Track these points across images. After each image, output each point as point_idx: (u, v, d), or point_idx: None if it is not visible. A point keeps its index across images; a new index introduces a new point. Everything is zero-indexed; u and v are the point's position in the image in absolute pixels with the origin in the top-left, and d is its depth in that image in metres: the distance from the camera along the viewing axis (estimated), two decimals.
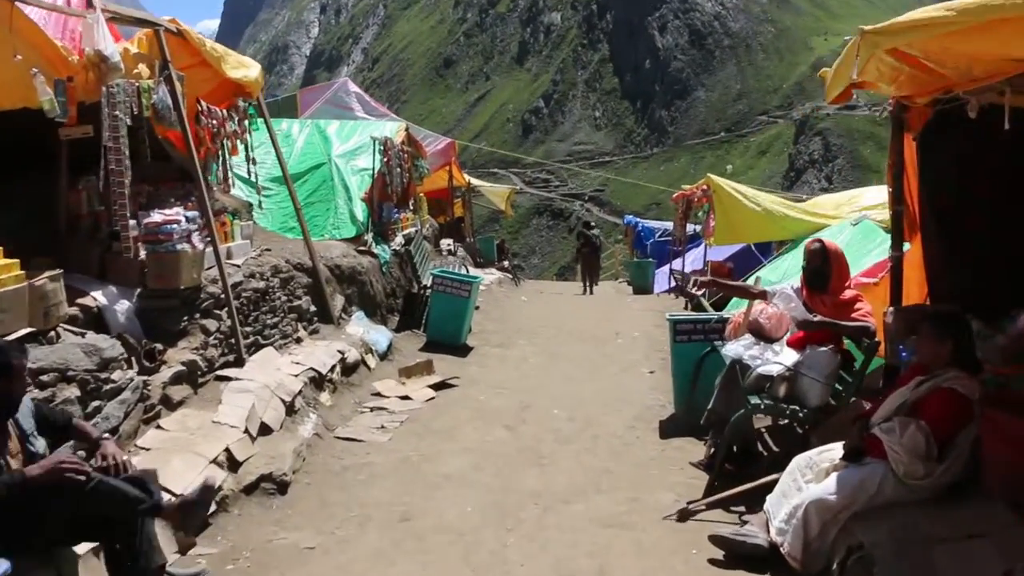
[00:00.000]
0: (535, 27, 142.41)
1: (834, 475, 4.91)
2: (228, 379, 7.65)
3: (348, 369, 9.62)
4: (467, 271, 15.34)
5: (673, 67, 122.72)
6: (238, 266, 8.94)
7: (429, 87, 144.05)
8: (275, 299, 9.38)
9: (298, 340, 9.68)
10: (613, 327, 14.31)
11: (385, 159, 13.80)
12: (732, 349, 6.73)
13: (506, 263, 24.33)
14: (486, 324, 14.04)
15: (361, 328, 10.97)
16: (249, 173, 10.43)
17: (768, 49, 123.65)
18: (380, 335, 11.08)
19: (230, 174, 9.96)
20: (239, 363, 8.12)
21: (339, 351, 9.58)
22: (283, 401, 7.68)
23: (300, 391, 8.15)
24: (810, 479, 5.11)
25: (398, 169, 14.35)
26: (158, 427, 6.55)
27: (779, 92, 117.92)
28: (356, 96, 20.93)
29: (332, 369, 9.14)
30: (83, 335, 6.25)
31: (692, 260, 20.84)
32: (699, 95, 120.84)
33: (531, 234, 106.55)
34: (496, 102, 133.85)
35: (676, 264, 21.20)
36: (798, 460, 5.31)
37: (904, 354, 6.07)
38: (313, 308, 10.33)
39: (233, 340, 8.17)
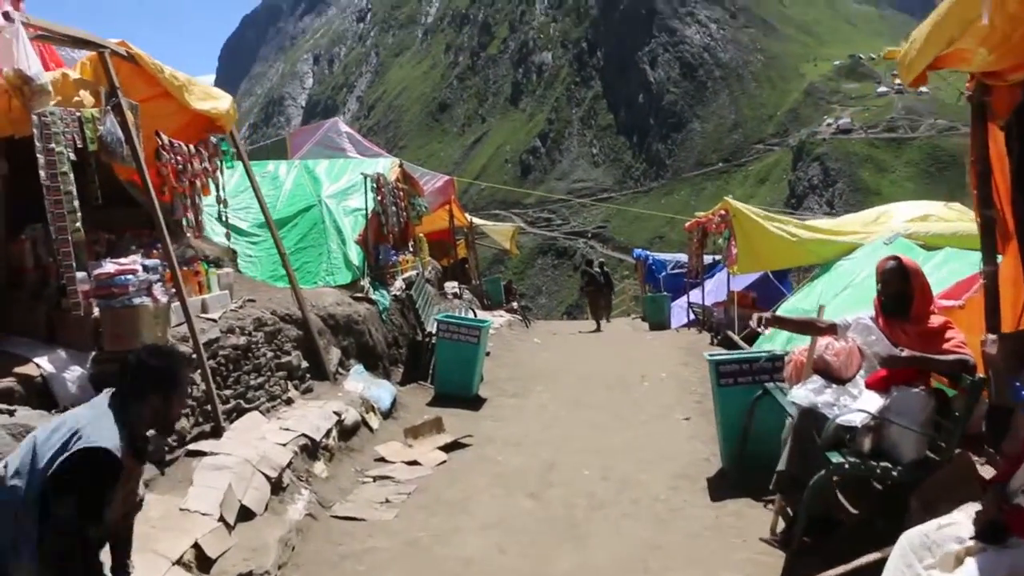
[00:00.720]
0: (527, 67, 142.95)
1: (971, 562, 3.68)
2: (202, 454, 6.46)
3: (347, 432, 8.43)
4: (475, 315, 14.19)
5: (667, 100, 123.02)
6: (214, 321, 7.79)
7: (426, 132, 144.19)
8: (259, 356, 8.22)
9: (288, 401, 8.50)
10: (637, 368, 13.11)
11: (379, 197, 12.72)
12: (801, 395, 5.51)
13: (515, 304, 23.20)
14: (498, 371, 12.85)
15: (361, 384, 9.80)
16: (221, 217, 9.28)
17: (759, 78, 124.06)
18: (382, 391, 9.90)
19: (202, 217, 8.81)
20: (216, 433, 6.94)
21: (335, 412, 8.39)
22: (267, 477, 6.48)
23: (289, 463, 6.95)
24: (932, 564, 3.88)
25: (393, 208, 13.26)
26: None
27: (773, 120, 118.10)
28: (347, 136, 19.94)
29: (328, 434, 7.94)
30: (12, 413, 5.09)
31: (711, 291, 19.67)
32: (694, 127, 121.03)
33: (536, 274, 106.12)
34: (493, 144, 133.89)
35: (694, 296, 20.02)
36: (911, 538, 4.06)
37: (1023, 392, 4.88)
38: (305, 364, 9.17)
39: (209, 407, 7.01)
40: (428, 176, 19.24)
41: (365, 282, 11.87)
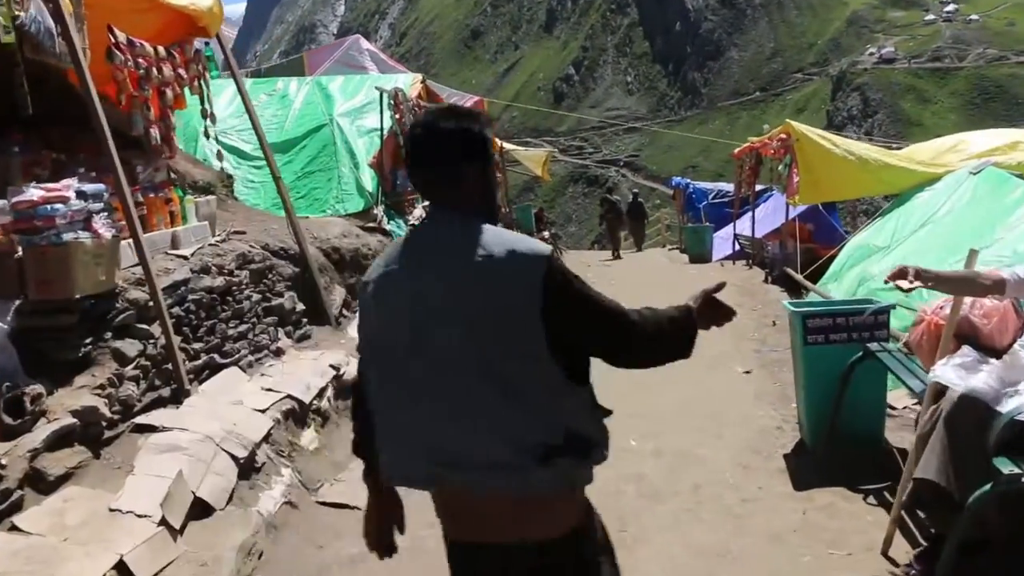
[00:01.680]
0: None
1: None
2: (152, 429, 5.04)
3: (347, 389, 7.00)
4: None
5: (704, 28, 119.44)
6: (185, 258, 6.33)
7: (458, 59, 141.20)
8: (243, 299, 6.77)
9: (278, 353, 7.07)
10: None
11: (397, 116, 11.11)
12: (951, 375, 3.89)
13: (546, 233, 21.58)
14: None
15: None
16: (207, 134, 7.76)
17: (800, 5, 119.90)
18: None
19: (175, 134, 7.27)
20: (177, 399, 5.52)
21: (332, 366, 6.95)
22: (235, 458, 5.06)
23: (267, 436, 5.54)
24: None
25: None
26: (12, 528, 3.98)
27: (814, 48, 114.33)
28: (369, 54, 18.27)
29: (321, 393, 6.53)
30: None
31: (760, 222, 18.00)
32: (732, 55, 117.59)
33: (567, 202, 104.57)
34: (526, 71, 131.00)
35: (741, 227, 18.32)
36: None
37: None
38: (300, 307, 7.72)
39: (170, 366, 5.58)
40: (456, 96, 17.50)
41: (379, 210, 10.38)
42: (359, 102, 12.03)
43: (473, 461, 2.10)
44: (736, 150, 16.95)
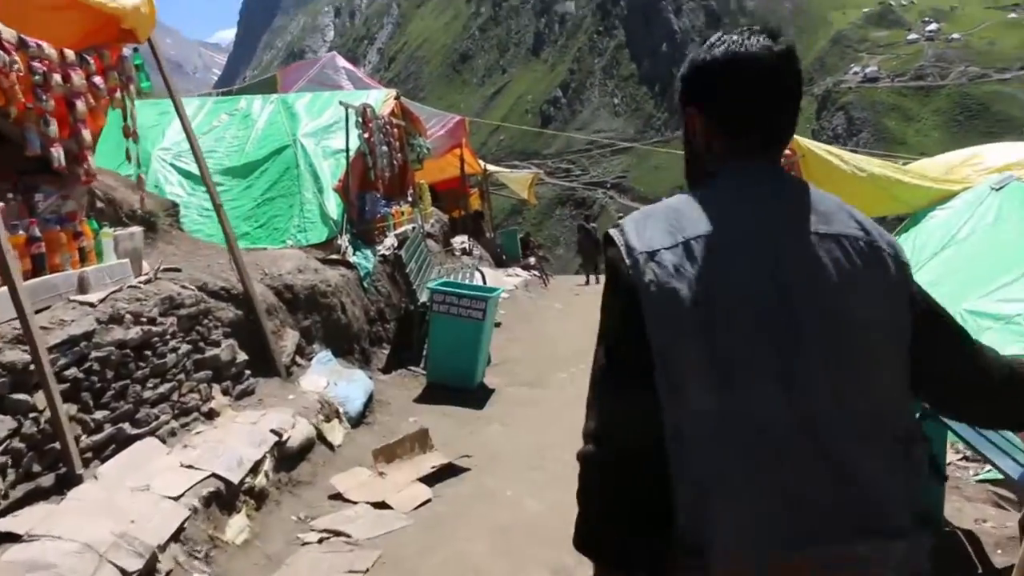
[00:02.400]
0: (549, 17, 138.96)
1: None
2: (13, 539, 3.86)
3: (291, 458, 5.83)
4: (481, 278, 11.45)
5: (691, 49, 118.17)
6: (92, 306, 5.16)
7: (446, 83, 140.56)
8: (165, 353, 5.59)
9: (209, 415, 5.89)
10: None
11: (366, 135, 9.98)
12: None
13: (532, 260, 20.45)
14: (511, 349, 10.18)
15: (325, 378, 7.18)
16: (128, 156, 6.59)
17: (786, 25, 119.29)
18: (354, 386, 7.26)
19: (89, 154, 6.09)
20: (62, 487, 4.35)
21: (275, 431, 5.77)
22: (125, 574, 3.88)
23: (179, 532, 4.37)
24: None
25: (384, 148, 10.52)
26: None
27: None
28: (346, 72, 17.15)
29: (256, 468, 5.34)
30: None
31: None
32: None
33: (554, 224, 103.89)
34: (514, 94, 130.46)
35: None
36: None
37: None
38: (243, 357, 6.54)
39: (58, 444, 4.41)
40: (436, 117, 16.42)
41: (343, 240, 9.22)
42: (326, 121, 10.91)
43: (884, 520, 1.50)
44: None
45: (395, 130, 10.95)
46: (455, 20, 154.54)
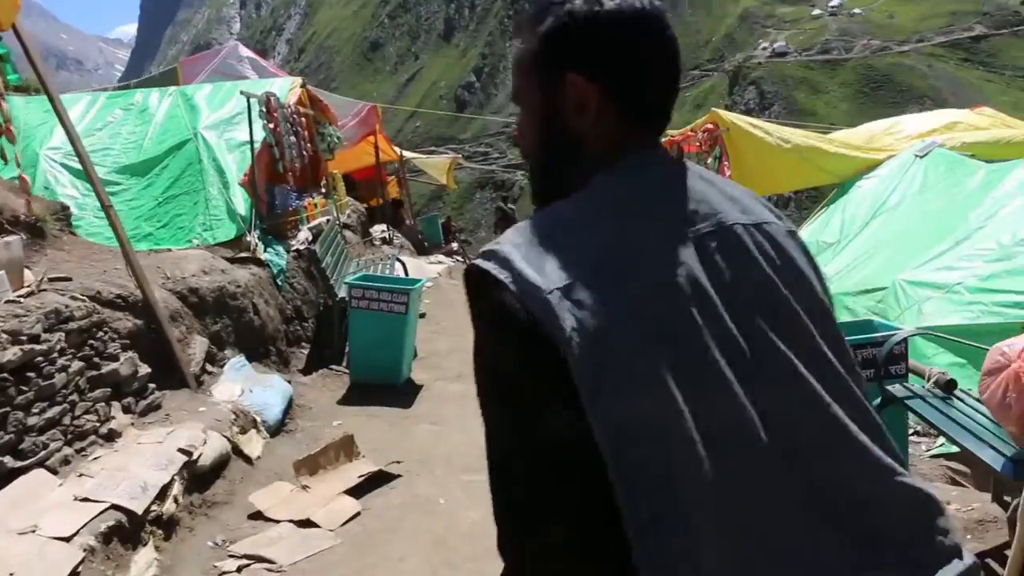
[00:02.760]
0: (459, 2, 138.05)
1: None
2: None
3: (204, 478, 5.32)
4: (403, 268, 10.95)
5: None
6: None
7: (358, 72, 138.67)
8: (53, 373, 5.01)
9: (109, 436, 5.33)
10: None
11: (270, 125, 9.40)
12: None
13: (454, 245, 20.01)
14: (437, 341, 9.72)
15: (239, 385, 6.66)
16: (4, 156, 5.96)
17: (694, 4, 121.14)
18: (271, 392, 6.76)
19: None
20: None
21: (183, 449, 5.24)
22: None
23: None
24: None
25: (292, 138, 9.95)
26: None
27: (709, 45, 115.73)
28: (250, 62, 16.45)
29: (164, 493, 4.81)
30: None
31: None
32: None
33: (475, 208, 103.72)
34: (427, 80, 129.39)
35: None
36: None
37: None
38: (145, 370, 5.96)
39: None
40: (347, 105, 15.81)
41: (252, 237, 8.65)
42: (229, 112, 10.26)
43: None
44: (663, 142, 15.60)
45: (303, 119, 10.37)
46: (363, 8, 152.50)
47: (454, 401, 7.49)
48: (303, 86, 11.16)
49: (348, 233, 13.33)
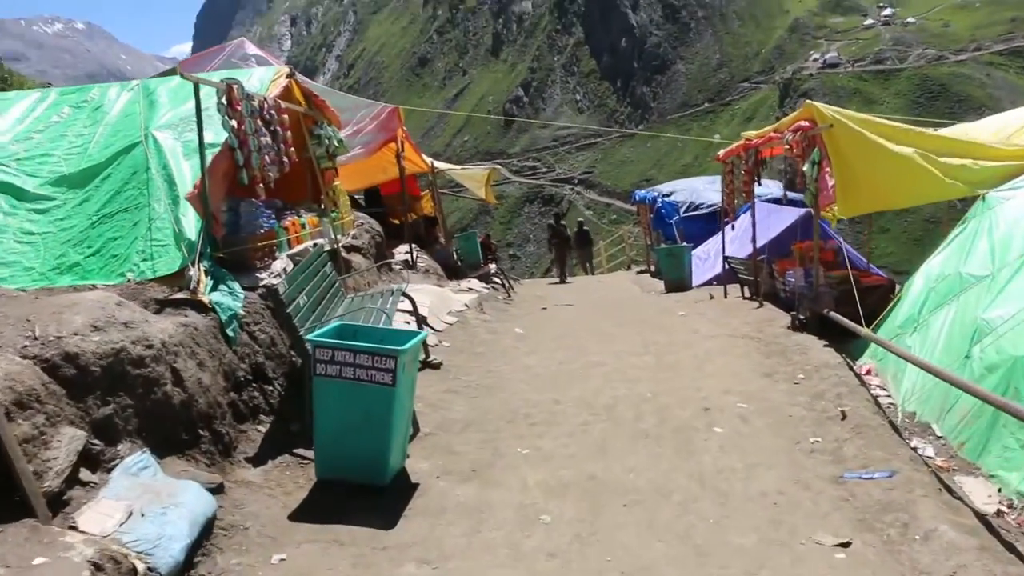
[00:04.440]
0: (507, 17, 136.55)
1: None
2: None
3: None
4: (412, 304, 8.42)
5: (650, 43, 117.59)
6: None
7: (407, 88, 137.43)
8: None
9: None
10: (685, 383, 7.52)
11: (232, 122, 7.01)
12: None
13: (492, 267, 17.53)
14: (451, 405, 7.21)
15: (123, 507, 4.24)
16: None
17: (743, 16, 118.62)
18: (174, 515, 4.29)
19: None
20: None
21: None
22: None
23: None
24: None
25: (266, 139, 7.54)
26: None
27: (759, 57, 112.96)
28: (256, 59, 14.21)
29: None
30: None
31: (733, 239, 14.27)
32: (679, 68, 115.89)
33: (523, 222, 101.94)
34: (475, 95, 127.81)
35: (732, 246, 14.50)
36: None
37: None
38: None
39: None
40: (364, 107, 13.42)
41: (195, 271, 6.25)
42: (192, 109, 7.92)
43: None
44: (723, 151, 12.98)
45: (284, 116, 7.98)
46: (412, 24, 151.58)
47: (463, 518, 4.99)
48: (291, 76, 8.76)
49: (357, 258, 10.94)
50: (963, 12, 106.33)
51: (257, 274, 7.15)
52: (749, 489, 5.05)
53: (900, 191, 8.23)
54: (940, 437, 5.77)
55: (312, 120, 9.42)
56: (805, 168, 8.47)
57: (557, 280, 23.04)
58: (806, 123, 8.62)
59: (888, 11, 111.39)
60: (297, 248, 8.06)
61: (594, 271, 26.55)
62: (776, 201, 15.70)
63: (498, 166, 24.27)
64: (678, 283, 16.11)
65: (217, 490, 4.94)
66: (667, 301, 14.15)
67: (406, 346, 5.24)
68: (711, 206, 19.55)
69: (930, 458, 5.45)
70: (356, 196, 19.46)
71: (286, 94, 8.58)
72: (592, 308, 14.05)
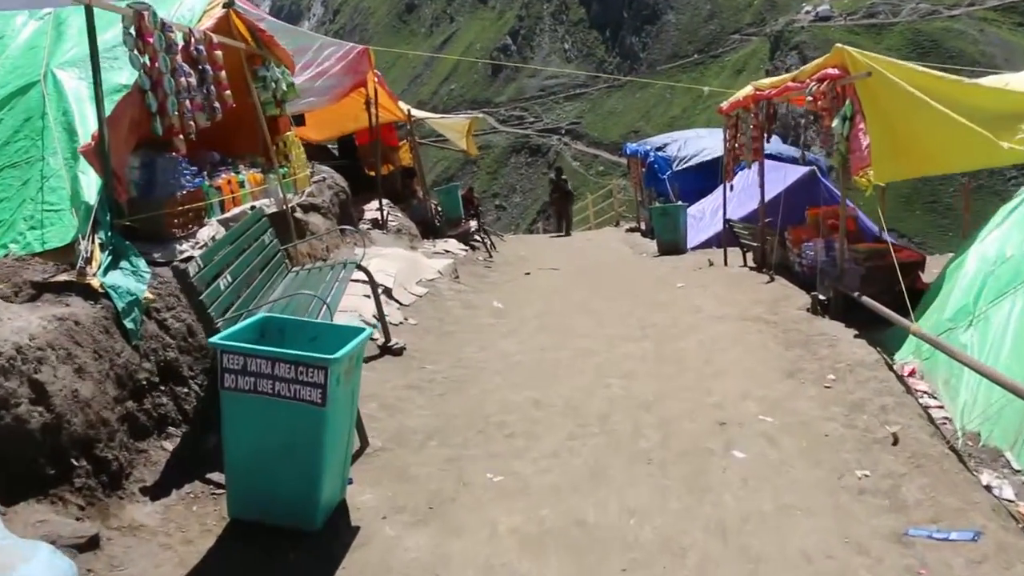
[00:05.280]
0: None
1: None
2: None
3: None
4: (370, 279, 7.09)
5: None
6: None
7: (393, 34, 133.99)
8: None
9: None
10: (692, 382, 6.26)
11: (144, 58, 5.63)
12: None
13: (472, 224, 16.14)
14: (411, 406, 5.91)
15: None
16: None
17: None
18: None
19: None
20: None
21: None
22: None
23: None
24: None
25: (191, 80, 6.15)
26: None
27: (751, 9, 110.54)
28: None
29: None
30: None
31: (734, 196, 12.95)
32: (669, 18, 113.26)
33: (510, 173, 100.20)
34: (463, 43, 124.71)
35: (734, 208, 13.21)
36: None
37: None
38: None
39: None
40: (330, 46, 11.89)
41: (85, 245, 4.93)
42: (110, 41, 6.50)
43: None
44: (726, 103, 11.56)
45: (216, 53, 6.58)
46: None
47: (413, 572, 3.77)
48: (229, 5, 7.31)
49: (316, 219, 9.58)
50: None
51: (177, 245, 5.82)
52: (787, 548, 3.83)
53: (948, 154, 6.90)
54: (1018, 471, 4.54)
55: (260, 59, 8.00)
56: (834, 124, 7.13)
57: (559, 233, 23.12)
58: (834, 71, 7.27)
59: None
60: (233, 211, 6.73)
61: (571, 230, 23.59)
62: (793, 161, 14.43)
63: (480, 115, 22.72)
64: (672, 245, 14.84)
65: (87, 546, 3.70)
66: (662, 267, 12.85)
67: (339, 354, 3.95)
68: (707, 157, 18.25)
69: (1010, 501, 4.23)
70: (330, 146, 18.04)
71: (223, 27, 7.16)
72: (580, 274, 12.73)
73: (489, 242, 15.39)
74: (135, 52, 5.56)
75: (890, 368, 6.04)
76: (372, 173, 14.82)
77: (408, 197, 16.66)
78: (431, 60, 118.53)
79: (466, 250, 13.11)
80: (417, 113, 16.23)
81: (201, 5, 7.19)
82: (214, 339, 4.10)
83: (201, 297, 4.77)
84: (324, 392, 3.92)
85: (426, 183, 18.01)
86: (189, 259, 4.64)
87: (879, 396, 5.42)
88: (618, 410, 5.69)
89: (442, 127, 17.82)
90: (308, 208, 9.39)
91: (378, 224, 12.00)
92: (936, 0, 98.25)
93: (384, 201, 12.81)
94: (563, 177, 25.09)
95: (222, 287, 5.10)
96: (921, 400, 5.51)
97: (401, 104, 15.83)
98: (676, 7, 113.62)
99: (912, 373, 5.99)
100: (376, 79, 13.05)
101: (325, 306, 4.99)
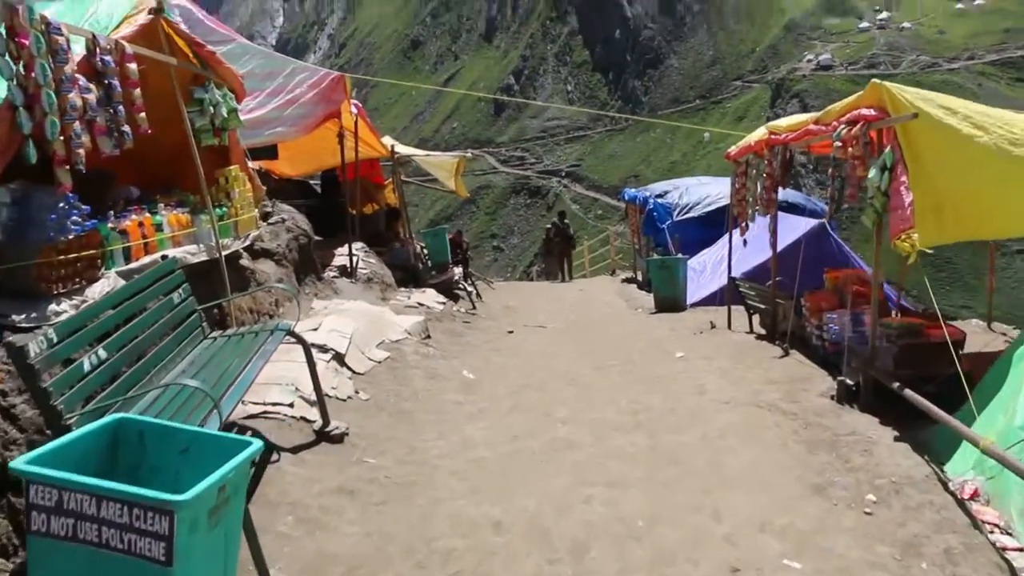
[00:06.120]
0: (502, 3, 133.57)
1: None
2: None
3: None
4: (305, 352, 5.77)
5: (644, 36, 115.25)
6: None
7: (398, 70, 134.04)
8: None
9: None
10: (695, 500, 4.95)
11: (19, 65, 4.44)
12: None
13: (456, 271, 14.90)
14: (337, 522, 4.53)
15: None
16: None
17: (739, 13, 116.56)
18: None
19: None
20: None
21: None
22: None
23: None
24: None
25: (88, 97, 4.96)
26: None
27: (753, 56, 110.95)
28: (179, 11, 11.49)
29: None
30: None
31: (737, 248, 11.68)
32: (672, 63, 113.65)
33: (509, 214, 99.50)
34: (466, 81, 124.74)
35: (740, 264, 11.97)
36: None
37: None
38: None
39: None
40: (303, 71, 10.74)
41: None
42: None
43: None
44: (735, 148, 10.38)
45: (130, 66, 5.40)
46: (406, 6, 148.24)
47: None
48: (157, 11, 6.13)
49: (268, 266, 8.35)
50: (958, 20, 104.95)
51: (54, 305, 4.58)
52: None
53: (1013, 213, 5.69)
54: None
55: (201, 79, 6.82)
56: (870, 176, 5.94)
57: (558, 280, 22.85)
58: (870, 111, 6.09)
59: (884, 15, 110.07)
60: (143, 260, 5.50)
61: (572, 276, 23.59)
62: (801, 211, 13.26)
63: (469, 154, 21.42)
64: (671, 301, 13.61)
65: None
66: (659, 328, 11.57)
67: (190, 495, 2.70)
68: (711, 206, 17.13)
69: None
70: (313, 183, 16.88)
71: (147, 36, 5.97)
72: (569, 333, 11.47)
73: (474, 291, 14.16)
74: (5, 58, 4.37)
75: (945, 488, 4.77)
76: (354, 211, 13.63)
77: (391, 240, 15.48)
78: (434, 98, 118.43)
79: (444, 303, 11.84)
80: (402, 149, 15.03)
81: (123, 10, 6.01)
82: (17, 463, 2.84)
83: (45, 385, 3.52)
84: (169, 546, 2.67)
85: (409, 225, 16.81)
86: (15, 340, 3.39)
87: (939, 533, 4.16)
88: (599, 537, 4.37)
89: (430, 165, 16.66)
90: (259, 254, 8.18)
91: (346, 272, 10.76)
92: (936, 52, 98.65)
93: (359, 245, 11.60)
94: (566, 220, 24.48)
95: (86, 368, 3.85)
96: (992, 536, 4.24)
97: (385, 140, 14.67)
98: (679, 52, 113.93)
99: (974, 495, 4.72)
100: (355, 110, 11.90)
101: (215, 408, 3.72)
